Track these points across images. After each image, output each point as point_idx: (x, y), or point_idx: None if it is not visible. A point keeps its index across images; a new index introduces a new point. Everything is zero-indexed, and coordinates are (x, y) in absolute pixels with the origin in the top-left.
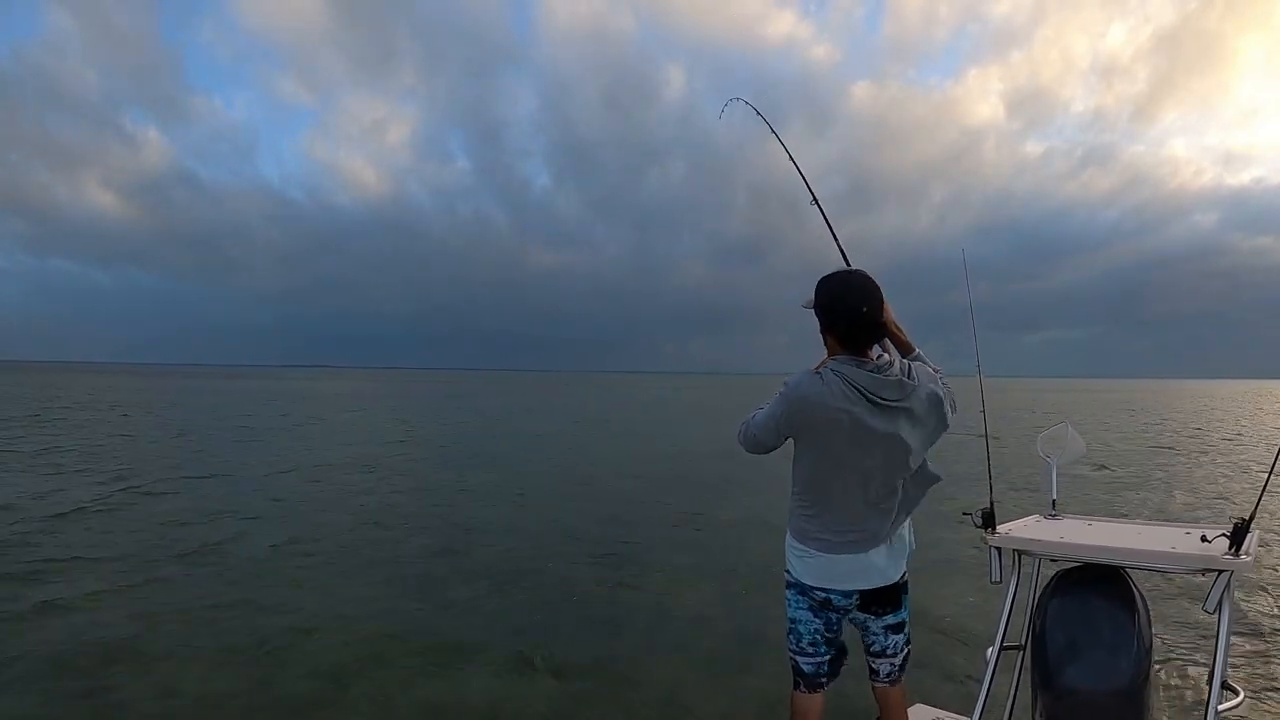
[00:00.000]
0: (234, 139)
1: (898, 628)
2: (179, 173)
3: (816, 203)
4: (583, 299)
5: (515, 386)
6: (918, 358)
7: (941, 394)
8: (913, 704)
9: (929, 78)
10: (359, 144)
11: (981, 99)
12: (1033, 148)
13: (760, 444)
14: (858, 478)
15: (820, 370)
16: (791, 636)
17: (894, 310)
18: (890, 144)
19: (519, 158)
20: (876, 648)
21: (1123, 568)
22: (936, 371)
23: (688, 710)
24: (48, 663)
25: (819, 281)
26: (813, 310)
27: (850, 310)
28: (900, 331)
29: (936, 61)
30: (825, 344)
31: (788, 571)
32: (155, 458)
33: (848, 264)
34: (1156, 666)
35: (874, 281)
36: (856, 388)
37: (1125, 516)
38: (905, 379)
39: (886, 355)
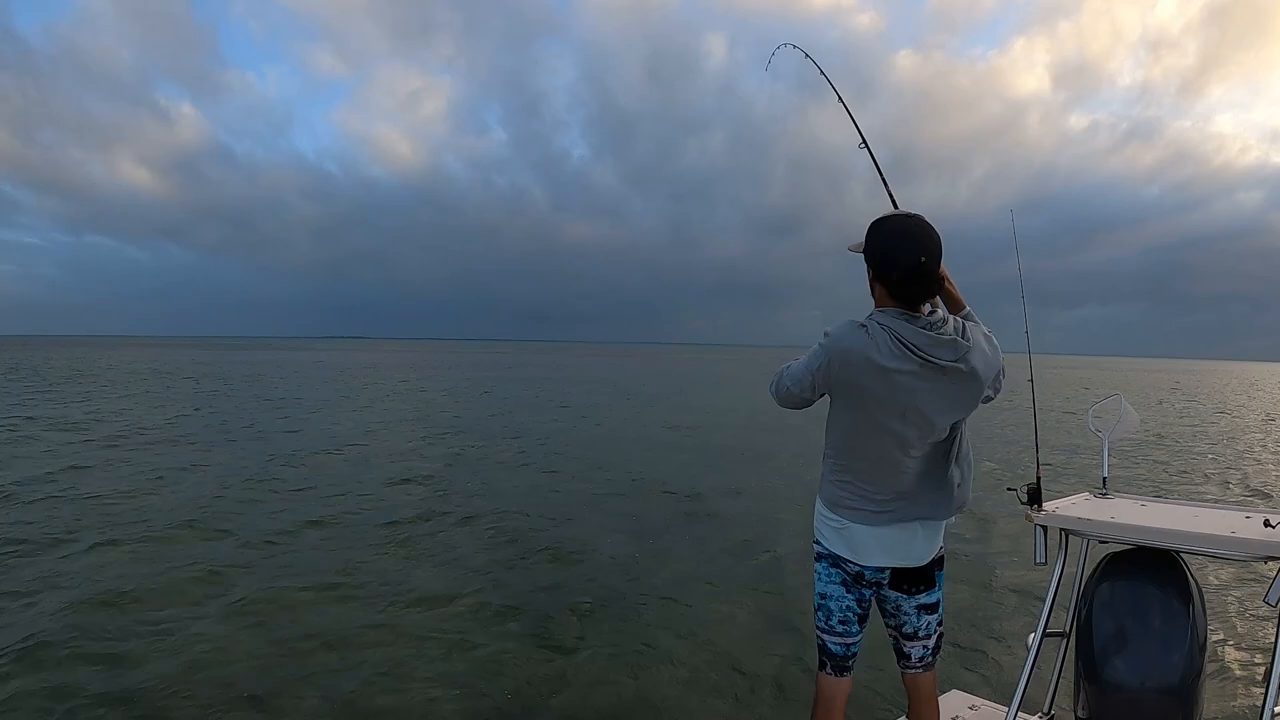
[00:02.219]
0: (268, 113)
1: (932, 608)
2: (213, 148)
3: (866, 145)
4: (618, 271)
5: (549, 358)
6: (969, 316)
7: (996, 358)
8: (947, 690)
9: (974, 48)
10: (394, 116)
11: (1027, 70)
12: (1077, 121)
13: (793, 397)
14: (900, 444)
15: (866, 322)
16: (820, 614)
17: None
18: (932, 115)
19: (556, 129)
20: (908, 629)
21: (1178, 552)
22: (987, 334)
23: (704, 686)
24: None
25: (872, 224)
26: (861, 256)
27: (907, 259)
28: (953, 287)
29: (982, 31)
30: (873, 294)
31: (817, 542)
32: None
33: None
34: (1209, 662)
35: (934, 229)
36: (906, 344)
37: (1180, 497)
38: (959, 339)
39: (939, 311)
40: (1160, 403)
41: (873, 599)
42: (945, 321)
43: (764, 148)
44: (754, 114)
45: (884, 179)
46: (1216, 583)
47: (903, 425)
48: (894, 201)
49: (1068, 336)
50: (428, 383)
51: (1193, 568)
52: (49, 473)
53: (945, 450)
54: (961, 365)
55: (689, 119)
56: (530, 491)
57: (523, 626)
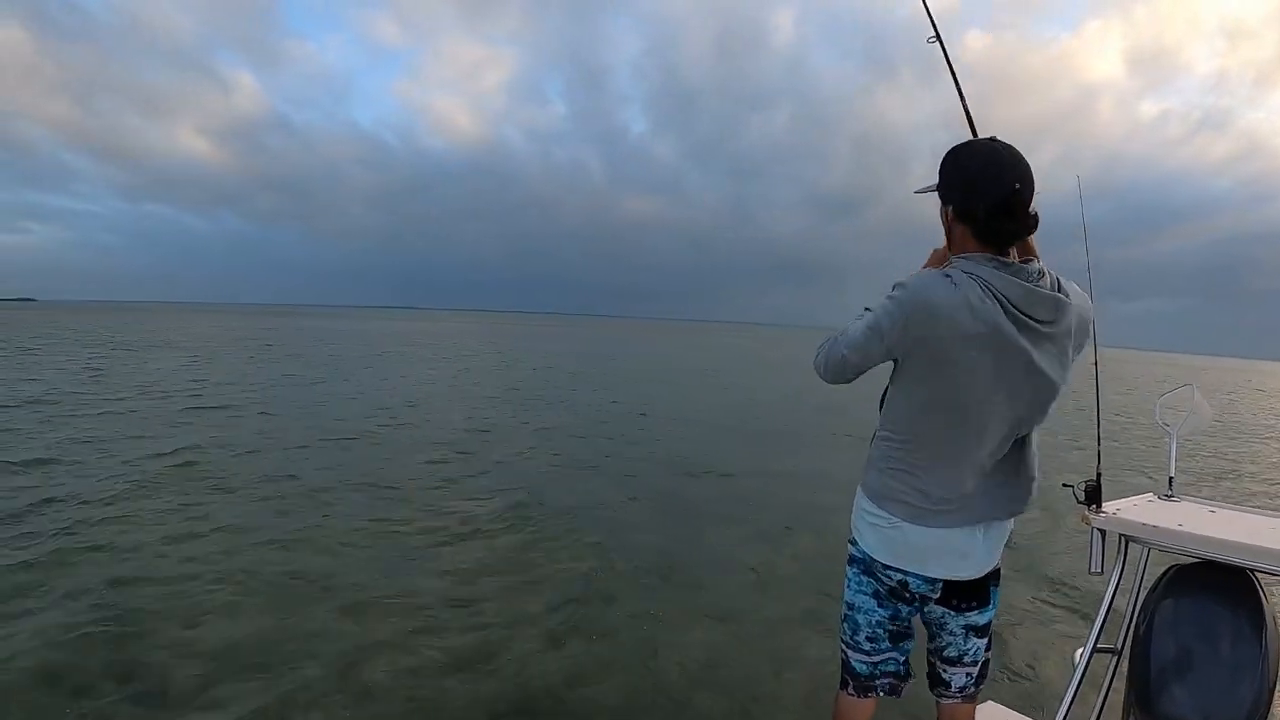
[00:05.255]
0: (327, 83)
1: (982, 630)
2: (272, 117)
3: (938, 38)
4: (676, 248)
5: (603, 333)
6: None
7: (1090, 317)
8: (983, 701)
9: (1046, 30)
10: (455, 87)
11: (1100, 55)
12: (1148, 109)
13: (847, 366)
14: (978, 424)
15: (950, 271)
16: (847, 625)
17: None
18: (1002, 99)
19: (619, 103)
20: (951, 652)
21: (1253, 571)
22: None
23: (726, 684)
24: None
25: (950, 152)
26: (936, 195)
27: (998, 187)
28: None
29: (1055, 13)
30: (950, 239)
31: (852, 542)
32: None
33: (973, 126)
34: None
35: (1022, 155)
36: (1000, 299)
37: (1256, 506)
38: (1058, 294)
39: (1035, 262)
40: (1233, 401)
41: (913, 616)
42: (1041, 273)
43: (828, 126)
44: (819, 92)
45: (959, 87)
46: None
47: (989, 403)
48: (972, 124)
49: (1126, 330)
50: (479, 357)
51: (1268, 591)
52: (70, 438)
53: (1022, 437)
54: (1060, 327)
55: (753, 95)
56: (561, 467)
57: (537, 608)
